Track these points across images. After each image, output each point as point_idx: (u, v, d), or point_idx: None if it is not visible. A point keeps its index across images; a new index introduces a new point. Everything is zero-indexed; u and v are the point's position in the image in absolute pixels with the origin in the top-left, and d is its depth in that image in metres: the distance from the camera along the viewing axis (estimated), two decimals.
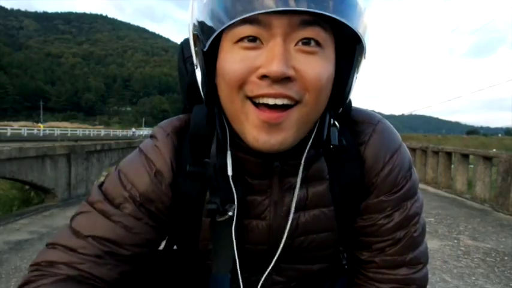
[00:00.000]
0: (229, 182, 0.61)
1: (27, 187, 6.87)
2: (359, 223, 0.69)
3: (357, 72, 0.59)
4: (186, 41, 0.71)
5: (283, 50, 0.50)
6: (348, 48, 0.57)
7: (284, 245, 0.65)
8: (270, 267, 0.67)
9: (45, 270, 0.58)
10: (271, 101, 0.52)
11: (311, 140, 0.62)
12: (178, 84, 0.75)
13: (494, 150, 10.10)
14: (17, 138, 30.86)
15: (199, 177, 0.63)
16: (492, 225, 4.82)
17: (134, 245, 0.62)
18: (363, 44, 0.56)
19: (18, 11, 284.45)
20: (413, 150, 9.91)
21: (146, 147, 0.67)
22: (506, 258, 3.55)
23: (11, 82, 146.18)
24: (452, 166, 8.22)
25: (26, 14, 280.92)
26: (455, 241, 4.06)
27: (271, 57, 0.50)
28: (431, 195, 7.14)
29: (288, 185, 0.64)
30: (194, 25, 0.56)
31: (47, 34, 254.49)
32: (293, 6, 0.48)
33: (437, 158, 8.50)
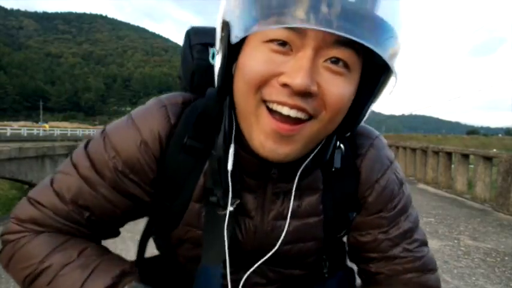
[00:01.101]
0: (227, 176, 0.60)
1: (26, 186, 6.87)
2: (359, 239, 0.71)
3: (374, 103, 0.58)
4: (193, 29, 0.71)
5: (311, 63, 0.49)
6: (373, 76, 0.56)
7: (270, 250, 0.65)
8: (250, 270, 0.66)
9: (30, 228, 0.61)
10: (285, 111, 0.51)
11: (310, 157, 0.62)
12: (180, 70, 0.74)
13: (494, 150, 10.11)
14: (16, 138, 30.83)
15: (196, 152, 0.62)
16: (492, 226, 4.82)
17: (113, 216, 0.63)
18: (388, 76, 0.55)
19: (18, 11, 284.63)
20: (413, 150, 9.91)
21: (136, 114, 0.64)
22: (506, 258, 3.54)
23: (10, 82, 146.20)
24: (453, 166, 8.22)
25: (26, 14, 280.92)
26: (456, 241, 4.05)
27: (297, 68, 0.49)
28: (431, 195, 7.14)
29: (278, 190, 0.64)
30: (228, 12, 0.53)
31: (47, 34, 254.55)
32: (333, 29, 0.45)
33: (437, 158, 8.50)
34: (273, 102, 0.51)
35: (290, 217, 0.65)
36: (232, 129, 0.60)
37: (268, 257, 0.66)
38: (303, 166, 0.62)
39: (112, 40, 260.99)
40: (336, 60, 0.50)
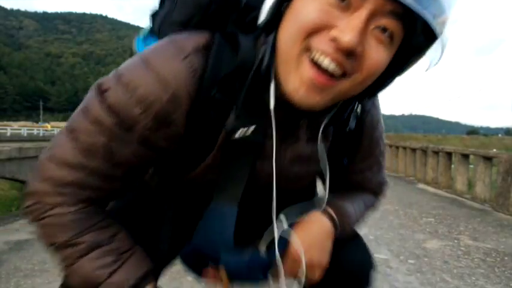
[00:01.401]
0: (265, 112, 0.61)
1: None
2: (352, 178, 0.86)
3: (399, 76, 0.62)
4: None
5: (363, 25, 0.51)
6: (404, 52, 0.58)
7: (278, 187, 0.69)
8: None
9: (71, 193, 0.60)
10: (326, 62, 0.53)
11: (334, 110, 0.68)
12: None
13: (494, 150, 10.11)
14: (16, 138, 30.81)
15: (224, 105, 0.61)
16: (492, 226, 4.82)
17: (140, 167, 0.65)
18: (419, 57, 0.59)
19: (18, 11, 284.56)
20: (413, 150, 9.91)
21: (157, 61, 0.58)
22: (506, 258, 3.54)
23: (10, 82, 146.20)
24: (453, 166, 8.23)
25: (26, 14, 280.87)
26: (456, 241, 4.05)
27: (351, 26, 0.51)
28: (431, 195, 7.14)
29: (296, 136, 0.69)
30: None
31: (47, 34, 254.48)
32: None
33: (437, 158, 8.50)
34: (318, 50, 0.53)
35: (303, 162, 0.71)
36: (270, 67, 0.59)
37: (269, 193, 0.68)
38: (329, 117, 0.68)
39: (112, 40, 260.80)
40: (384, 29, 0.53)
